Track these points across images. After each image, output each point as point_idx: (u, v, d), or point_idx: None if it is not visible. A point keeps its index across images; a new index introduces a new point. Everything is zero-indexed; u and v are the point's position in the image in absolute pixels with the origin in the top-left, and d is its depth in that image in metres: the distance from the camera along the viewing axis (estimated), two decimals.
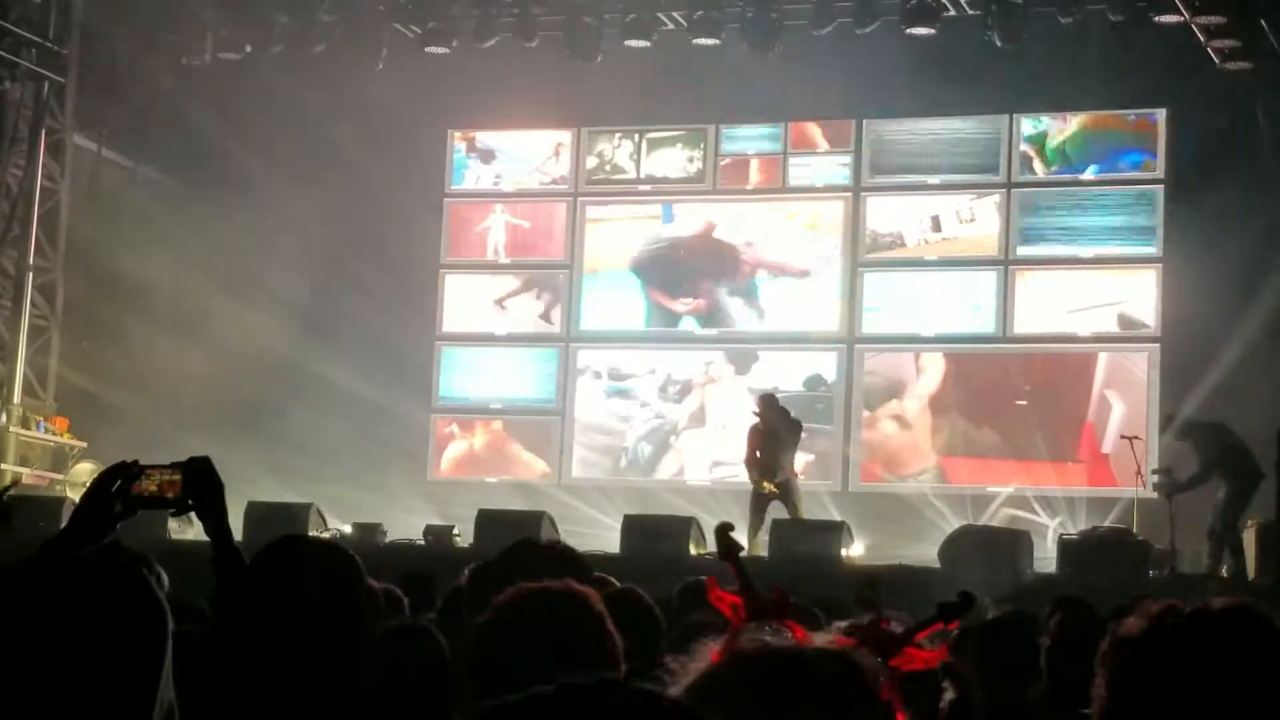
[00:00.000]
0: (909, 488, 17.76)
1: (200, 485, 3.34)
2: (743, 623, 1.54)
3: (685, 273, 19.32)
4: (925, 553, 13.51)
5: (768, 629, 1.52)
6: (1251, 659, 1.77)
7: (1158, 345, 17.59)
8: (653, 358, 19.28)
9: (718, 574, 1.66)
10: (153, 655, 1.87)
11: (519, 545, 3.67)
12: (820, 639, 1.50)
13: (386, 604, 5.34)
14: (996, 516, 16.71)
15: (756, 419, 14.95)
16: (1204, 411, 14.70)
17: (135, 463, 3.32)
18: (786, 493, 14.54)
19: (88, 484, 3.42)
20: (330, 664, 3.20)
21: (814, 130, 19.14)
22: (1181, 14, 15.90)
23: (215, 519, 3.37)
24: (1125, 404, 17.50)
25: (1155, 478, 13.97)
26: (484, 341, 19.85)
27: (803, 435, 15.30)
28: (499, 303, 19.86)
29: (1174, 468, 13.72)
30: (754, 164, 19.28)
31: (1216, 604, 1.83)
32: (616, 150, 19.83)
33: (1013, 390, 17.92)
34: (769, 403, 15.16)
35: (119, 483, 3.28)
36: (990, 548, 12.75)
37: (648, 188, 19.64)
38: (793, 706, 1.43)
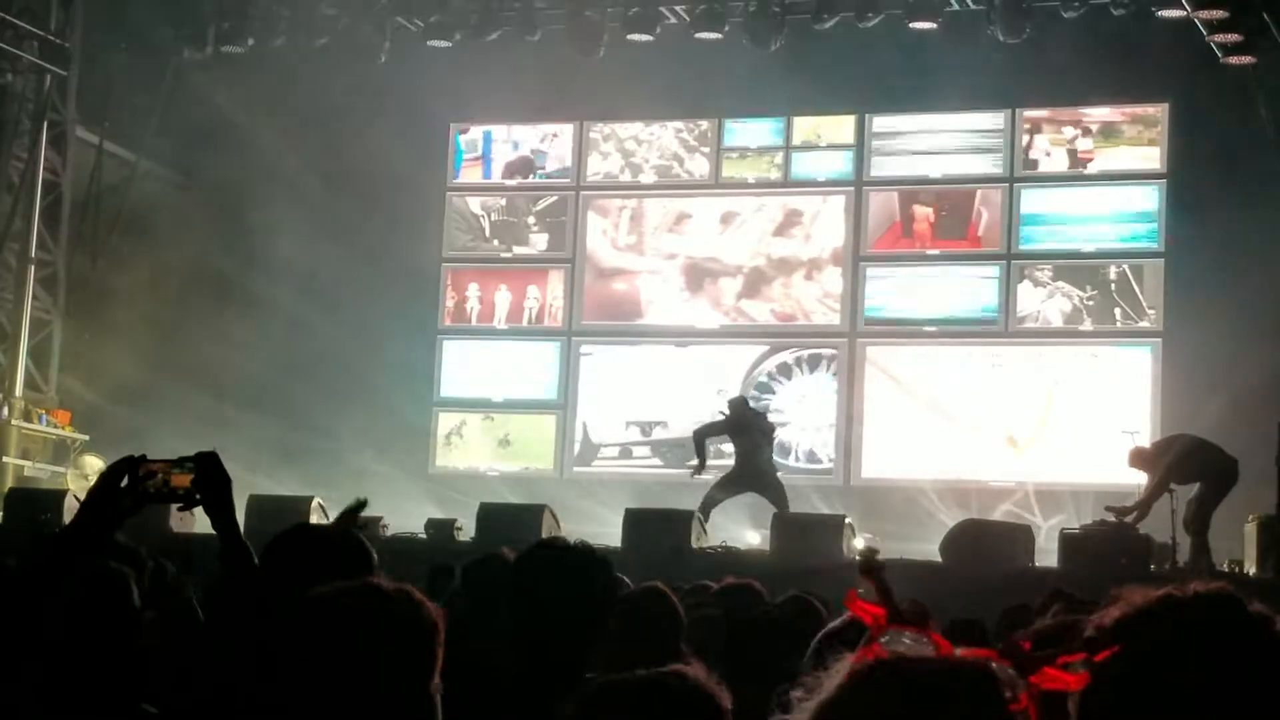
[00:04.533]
0: (910, 482, 17.73)
1: (208, 480, 3.33)
2: (882, 631, 1.60)
3: (689, 268, 19.34)
4: (927, 548, 13.50)
5: (905, 639, 1.59)
6: (1226, 644, 1.77)
7: (1159, 340, 17.58)
8: (657, 351, 19.26)
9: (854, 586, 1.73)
10: None
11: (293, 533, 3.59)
12: (961, 651, 1.57)
13: None
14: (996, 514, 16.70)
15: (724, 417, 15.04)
16: (1205, 404, 14.64)
17: (143, 457, 3.32)
18: (774, 492, 14.49)
19: (91, 477, 3.42)
20: None
21: (816, 124, 19.13)
22: (1184, 8, 15.91)
23: (223, 513, 3.36)
24: (1130, 407, 17.46)
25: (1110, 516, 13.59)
26: (486, 335, 19.85)
27: (775, 438, 15.32)
28: (501, 296, 19.86)
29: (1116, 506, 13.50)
30: (756, 158, 19.27)
31: (1191, 589, 1.83)
32: (618, 144, 19.81)
33: (1020, 392, 17.93)
34: (738, 405, 15.20)
35: (126, 477, 3.28)
36: (992, 542, 12.73)
37: (649, 181, 19.64)
38: (931, 716, 1.50)
